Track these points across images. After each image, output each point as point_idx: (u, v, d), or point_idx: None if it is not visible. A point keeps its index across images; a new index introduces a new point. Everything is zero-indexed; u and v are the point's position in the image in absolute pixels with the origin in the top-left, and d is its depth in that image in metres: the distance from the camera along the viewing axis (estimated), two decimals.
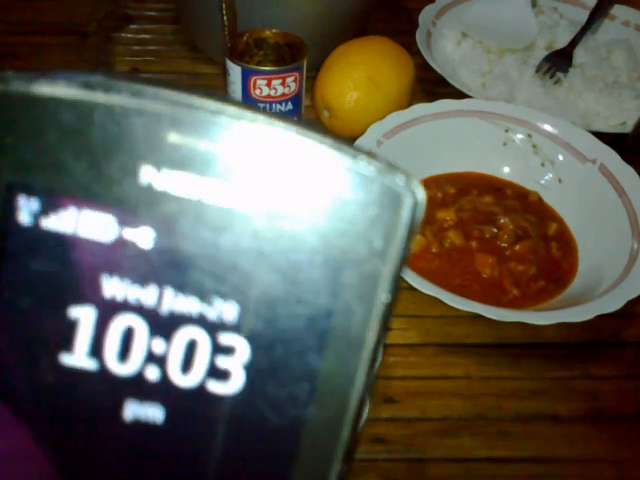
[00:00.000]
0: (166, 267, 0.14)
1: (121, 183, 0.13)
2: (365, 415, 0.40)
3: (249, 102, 0.57)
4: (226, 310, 0.14)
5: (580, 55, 0.75)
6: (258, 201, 0.13)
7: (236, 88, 0.57)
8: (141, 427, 0.14)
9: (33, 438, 0.14)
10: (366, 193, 0.14)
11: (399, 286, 0.14)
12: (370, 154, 0.14)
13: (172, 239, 0.13)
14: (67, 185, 0.13)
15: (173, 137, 0.13)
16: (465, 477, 0.43)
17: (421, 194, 0.14)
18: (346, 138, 0.54)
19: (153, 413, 0.14)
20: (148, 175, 0.13)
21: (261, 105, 0.57)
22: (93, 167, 0.13)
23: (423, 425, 0.45)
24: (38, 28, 0.80)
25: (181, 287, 0.14)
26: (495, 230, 0.54)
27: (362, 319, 0.14)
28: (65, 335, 0.14)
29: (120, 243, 0.13)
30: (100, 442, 0.14)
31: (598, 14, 0.78)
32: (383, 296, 0.14)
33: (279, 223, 0.13)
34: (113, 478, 0.14)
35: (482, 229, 0.54)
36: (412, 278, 0.47)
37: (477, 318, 0.47)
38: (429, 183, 0.60)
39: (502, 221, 0.55)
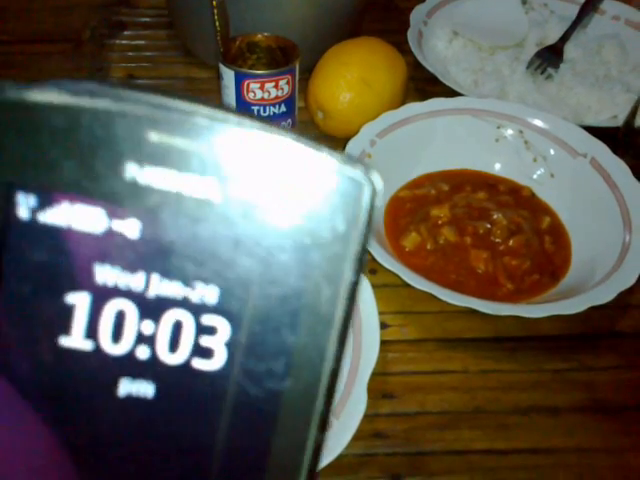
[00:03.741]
0: (152, 255, 0.15)
1: (109, 179, 0.15)
2: (363, 408, 0.40)
3: (243, 105, 0.58)
4: (208, 293, 0.15)
5: (571, 50, 0.76)
6: (233, 193, 0.15)
7: (229, 92, 0.58)
8: (134, 402, 0.15)
9: (36, 415, 0.15)
10: (329, 183, 0.15)
11: (363, 266, 0.15)
12: (333, 148, 0.15)
13: (156, 229, 0.15)
14: (60, 182, 0.15)
15: (153, 136, 0.15)
16: (465, 469, 0.44)
17: (379, 183, 0.15)
18: (340, 138, 0.55)
19: (144, 389, 0.15)
20: (132, 171, 0.15)
21: (255, 108, 0.58)
22: (83, 165, 0.15)
23: (422, 419, 0.46)
24: (34, 37, 0.81)
25: (166, 273, 0.15)
26: (489, 226, 0.55)
27: (330, 297, 0.15)
28: (63, 319, 0.15)
29: (110, 234, 0.15)
30: (97, 417, 0.16)
31: (588, 9, 0.79)
32: (348, 275, 0.15)
33: (252, 212, 0.15)
34: (109, 450, 0.16)
35: (476, 225, 0.55)
36: (408, 275, 0.48)
37: (473, 313, 0.48)
38: (423, 181, 0.60)
39: (495, 217, 0.55)
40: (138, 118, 0.14)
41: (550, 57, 0.74)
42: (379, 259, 0.49)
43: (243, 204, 0.15)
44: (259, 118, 0.15)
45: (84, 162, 0.14)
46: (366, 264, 0.15)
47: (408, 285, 0.48)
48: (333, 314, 0.15)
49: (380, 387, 0.47)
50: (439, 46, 0.77)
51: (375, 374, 0.43)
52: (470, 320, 0.51)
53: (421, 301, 0.52)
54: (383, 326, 0.51)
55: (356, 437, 0.39)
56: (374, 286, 0.48)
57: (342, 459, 0.39)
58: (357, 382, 0.42)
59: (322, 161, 0.15)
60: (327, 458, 0.38)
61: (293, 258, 0.15)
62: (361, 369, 0.43)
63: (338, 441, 0.39)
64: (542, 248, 0.55)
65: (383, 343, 0.45)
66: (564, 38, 0.76)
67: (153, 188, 0.15)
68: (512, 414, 0.47)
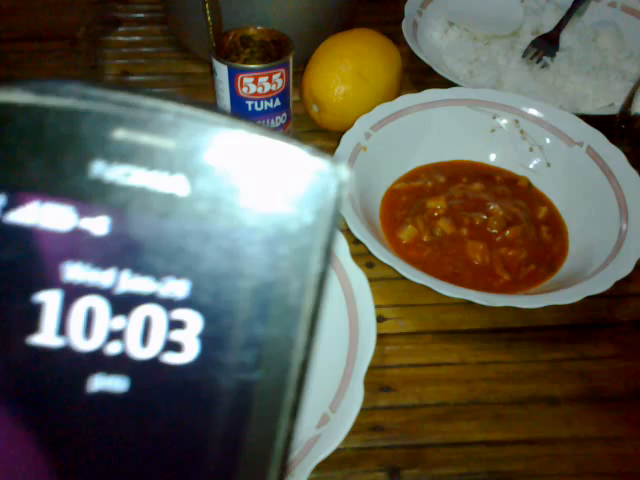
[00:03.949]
0: (121, 251, 0.15)
1: (76, 177, 0.15)
2: (360, 401, 0.40)
3: (237, 100, 0.58)
4: (178, 287, 0.15)
5: (566, 38, 0.75)
6: (200, 187, 0.15)
7: (223, 87, 0.57)
8: (107, 397, 0.16)
9: (9, 413, 0.15)
10: (296, 176, 0.15)
11: (330, 257, 0.16)
12: (299, 141, 0.15)
13: (125, 226, 0.15)
14: (28, 181, 0.15)
15: (119, 134, 0.15)
16: (463, 461, 0.44)
17: (345, 175, 0.15)
18: (336, 132, 0.54)
19: (117, 384, 0.16)
20: (99, 169, 0.15)
21: (249, 102, 0.58)
22: (50, 164, 0.15)
23: (420, 412, 0.46)
24: (28, 35, 0.80)
25: (136, 269, 0.15)
26: (485, 217, 0.55)
27: (299, 289, 0.15)
28: (34, 317, 0.15)
29: (79, 232, 0.15)
30: (70, 413, 0.16)
31: None
32: (317, 266, 0.15)
33: (220, 206, 0.15)
34: (81, 446, 0.16)
35: (472, 216, 0.55)
36: (404, 268, 0.48)
37: (470, 304, 0.48)
38: (419, 173, 0.60)
39: (492, 207, 0.55)
40: (104, 116, 0.15)
41: (546, 46, 0.74)
42: (375, 252, 0.49)
43: (211, 198, 0.15)
44: (226, 112, 0.15)
45: (51, 161, 0.15)
46: (332, 254, 0.15)
47: (405, 278, 0.48)
48: (303, 305, 0.15)
49: (378, 380, 0.47)
50: (434, 36, 0.77)
51: (372, 367, 0.43)
52: (467, 312, 0.51)
53: (418, 293, 0.52)
54: (380, 319, 0.51)
55: (354, 430, 0.40)
56: (371, 279, 0.48)
57: (340, 453, 0.39)
58: (354, 376, 0.42)
59: (288, 154, 0.15)
60: (325, 452, 0.38)
61: (261, 250, 0.15)
62: (358, 362, 0.43)
63: (335, 435, 0.39)
64: (539, 238, 0.55)
65: (380, 336, 0.45)
66: (560, 26, 0.76)
67: (121, 185, 0.15)
68: (509, 405, 0.47)
